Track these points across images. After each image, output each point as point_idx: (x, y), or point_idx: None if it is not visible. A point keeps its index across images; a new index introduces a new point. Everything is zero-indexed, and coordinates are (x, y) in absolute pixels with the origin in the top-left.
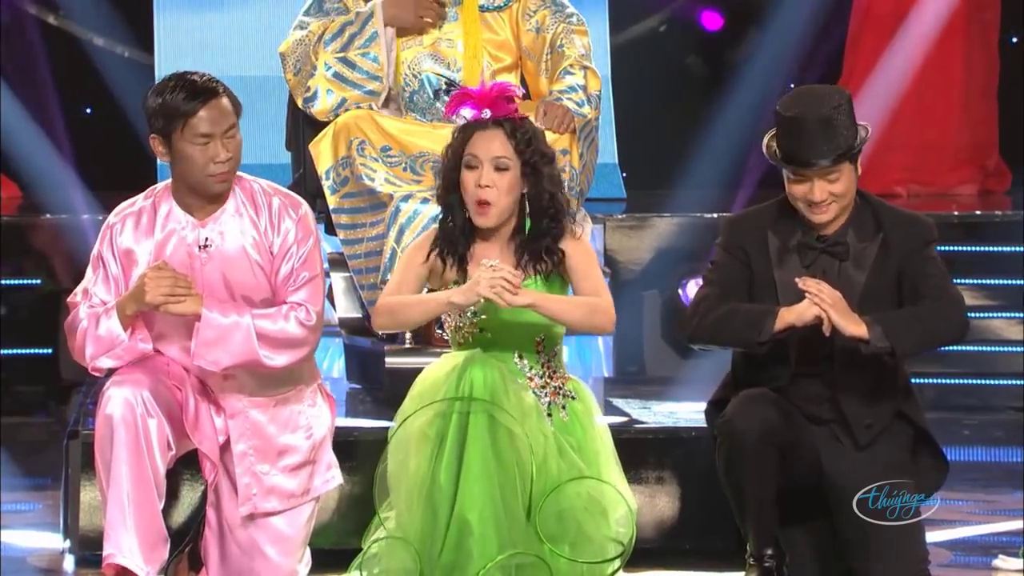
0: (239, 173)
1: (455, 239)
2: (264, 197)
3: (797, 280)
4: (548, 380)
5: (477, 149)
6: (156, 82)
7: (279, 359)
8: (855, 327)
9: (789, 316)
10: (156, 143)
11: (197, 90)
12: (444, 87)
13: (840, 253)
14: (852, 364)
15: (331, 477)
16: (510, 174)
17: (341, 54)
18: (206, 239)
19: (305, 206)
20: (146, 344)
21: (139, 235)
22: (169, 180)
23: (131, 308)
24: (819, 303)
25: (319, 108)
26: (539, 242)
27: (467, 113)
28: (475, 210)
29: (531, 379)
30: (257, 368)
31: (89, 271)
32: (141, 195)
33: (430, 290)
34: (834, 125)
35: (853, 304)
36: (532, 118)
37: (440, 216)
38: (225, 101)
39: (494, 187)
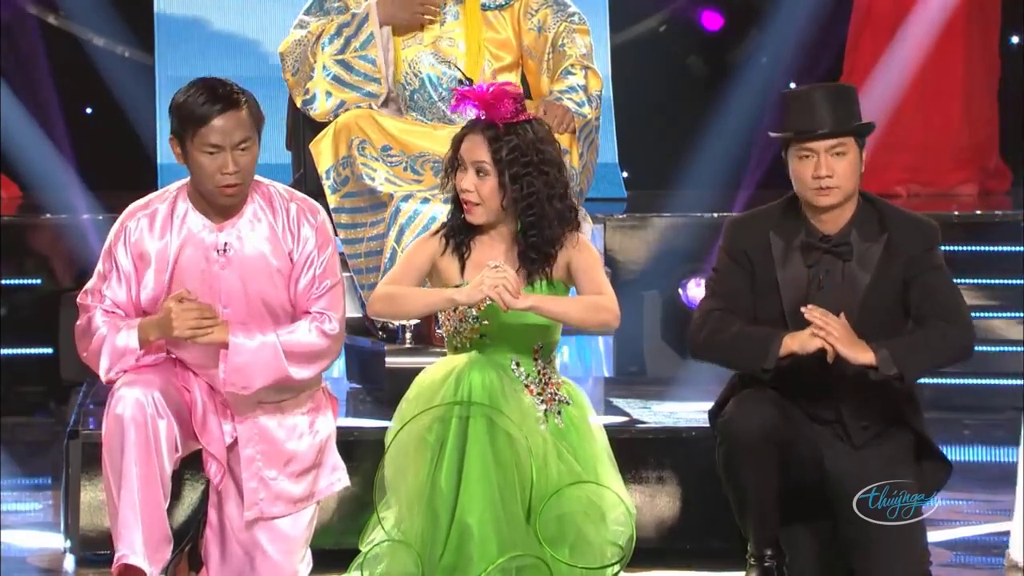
0: (256, 177)
1: (456, 230)
2: (282, 202)
3: (802, 309)
4: (544, 387)
5: (463, 152)
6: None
7: (306, 373)
8: (863, 355)
9: (792, 344)
10: (173, 144)
11: (216, 97)
12: (462, 79)
13: (844, 253)
14: (853, 367)
15: (336, 480)
16: (491, 180)
17: (339, 56)
18: (225, 244)
19: (322, 212)
20: (159, 353)
21: (154, 236)
22: (185, 181)
23: (154, 335)
24: (824, 336)
25: (318, 111)
26: (524, 246)
27: (471, 112)
28: (464, 207)
29: (528, 387)
30: (286, 384)
31: (99, 269)
32: (154, 195)
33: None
34: (842, 101)
35: (856, 305)
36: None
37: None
38: (244, 113)
39: (475, 191)
